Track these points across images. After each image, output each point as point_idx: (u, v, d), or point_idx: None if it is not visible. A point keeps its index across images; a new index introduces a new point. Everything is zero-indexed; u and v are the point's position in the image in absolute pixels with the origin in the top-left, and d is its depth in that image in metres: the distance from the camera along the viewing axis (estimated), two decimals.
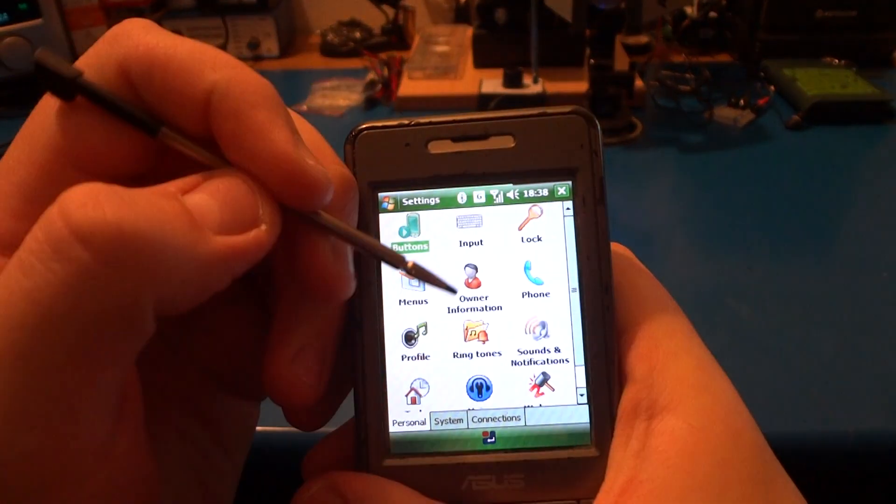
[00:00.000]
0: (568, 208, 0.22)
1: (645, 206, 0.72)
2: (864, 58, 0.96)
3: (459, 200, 0.23)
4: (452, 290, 0.20)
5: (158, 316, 0.16)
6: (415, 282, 0.22)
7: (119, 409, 0.17)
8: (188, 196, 0.17)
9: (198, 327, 0.23)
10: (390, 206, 0.23)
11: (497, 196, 0.23)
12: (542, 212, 0.23)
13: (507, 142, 0.22)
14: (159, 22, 1.08)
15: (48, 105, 0.18)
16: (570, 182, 0.22)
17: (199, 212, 0.16)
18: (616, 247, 0.24)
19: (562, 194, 0.22)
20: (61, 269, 0.14)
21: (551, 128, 0.22)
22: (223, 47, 1.10)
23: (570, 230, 0.22)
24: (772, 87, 0.93)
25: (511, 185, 0.23)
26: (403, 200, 0.23)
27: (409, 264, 0.19)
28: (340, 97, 0.97)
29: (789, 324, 0.54)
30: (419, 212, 0.23)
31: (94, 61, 0.18)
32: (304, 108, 0.95)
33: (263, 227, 0.17)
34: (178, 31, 1.13)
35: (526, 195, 0.23)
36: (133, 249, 0.14)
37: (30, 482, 0.15)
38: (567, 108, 0.22)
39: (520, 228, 0.23)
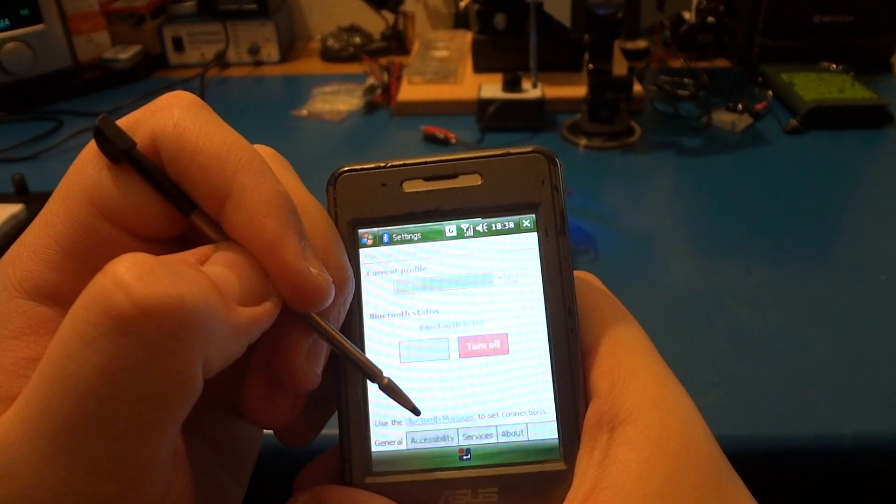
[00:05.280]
0: (532, 239, 0.24)
1: (643, 210, 0.73)
2: (862, 63, 0.96)
3: (432, 234, 0.24)
4: (416, 412, 0.22)
5: None
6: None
7: (175, 459, 0.19)
8: (207, 267, 0.18)
9: None
10: (369, 242, 0.25)
11: (467, 230, 0.25)
12: (508, 243, 0.24)
13: (475, 180, 0.24)
14: (160, 27, 1.09)
15: (86, 161, 0.19)
16: (533, 215, 0.24)
17: (221, 283, 0.18)
18: (581, 274, 0.25)
19: (526, 226, 0.24)
20: (129, 343, 0.15)
21: (515, 166, 0.24)
22: (223, 52, 1.11)
23: (534, 258, 0.24)
24: (769, 92, 0.93)
25: (479, 219, 0.24)
26: (382, 236, 0.24)
27: (385, 381, 0.21)
28: (340, 102, 0.97)
29: (787, 327, 0.54)
30: (397, 246, 0.25)
31: (132, 126, 0.19)
32: (305, 112, 0.95)
33: (273, 299, 0.19)
34: (178, 37, 1.12)
35: (493, 228, 0.24)
36: (189, 321, 0.16)
37: None
38: (529, 148, 0.24)
39: (487, 259, 0.24)
